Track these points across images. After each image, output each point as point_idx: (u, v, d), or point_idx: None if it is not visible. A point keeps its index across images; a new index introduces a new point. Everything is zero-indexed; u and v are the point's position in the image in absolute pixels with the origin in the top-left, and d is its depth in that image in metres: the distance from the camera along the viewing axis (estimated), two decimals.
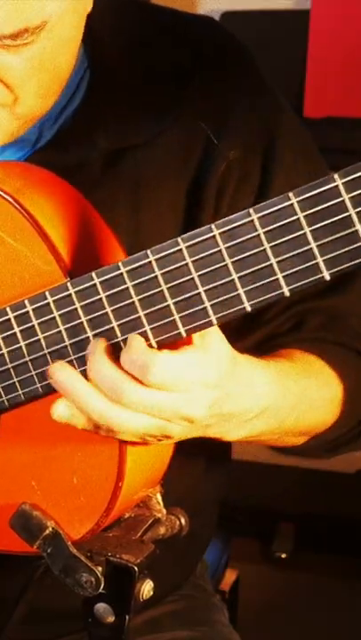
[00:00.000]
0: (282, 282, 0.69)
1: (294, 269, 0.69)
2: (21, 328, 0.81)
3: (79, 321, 0.78)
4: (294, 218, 0.68)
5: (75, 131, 0.96)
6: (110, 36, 0.97)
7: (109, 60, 0.97)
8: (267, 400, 0.83)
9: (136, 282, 0.75)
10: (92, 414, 0.76)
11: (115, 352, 0.76)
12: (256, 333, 1.00)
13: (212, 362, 0.75)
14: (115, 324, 0.76)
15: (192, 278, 0.73)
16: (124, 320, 0.76)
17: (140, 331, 0.75)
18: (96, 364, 0.76)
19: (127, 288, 0.75)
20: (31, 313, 0.80)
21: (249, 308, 0.71)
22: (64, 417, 0.78)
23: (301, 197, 0.68)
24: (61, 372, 0.78)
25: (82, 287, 0.77)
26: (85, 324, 0.78)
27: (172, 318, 0.74)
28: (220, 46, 1.01)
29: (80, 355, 0.78)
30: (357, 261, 0.67)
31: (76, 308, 0.78)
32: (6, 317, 0.81)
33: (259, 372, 0.83)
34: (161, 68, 0.98)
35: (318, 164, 1.02)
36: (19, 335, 0.81)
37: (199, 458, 1.09)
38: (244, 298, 0.71)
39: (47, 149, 0.97)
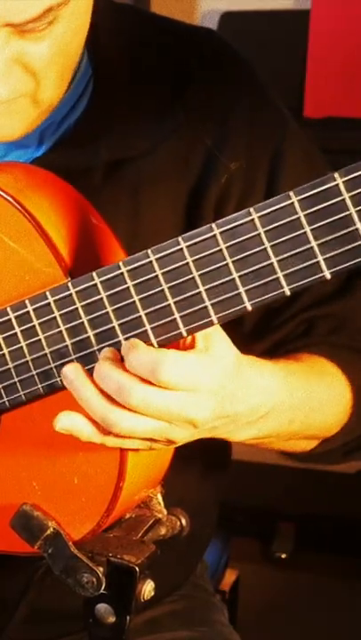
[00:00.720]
0: (282, 281, 0.69)
1: (295, 268, 0.69)
2: (22, 328, 0.81)
3: (80, 321, 0.78)
4: (295, 217, 0.68)
5: (78, 138, 0.96)
6: (110, 38, 0.97)
7: (111, 64, 0.97)
8: (274, 398, 0.82)
9: (137, 281, 0.75)
10: (96, 414, 0.76)
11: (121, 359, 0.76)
12: (265, 340, 1.00)
13: (216, 364, 0.75)
14: (115, 323, 0.76)
15: (193, 278, 0.72)
16: (124, 320, 0.76)
17: (140, 330, 0.75)
18: (102, 368, 0.75)
19: (128, 288, 0.75)
20: (32, 313, 0.80)
21: (250, 308, 0.71)
22: (66, 427, 0.77)
23: (302, 196, 0.68)
24: (72, 372, 0.77)
25: (82, 287, 0.77)
26: (86, 323, 0.78)
27: (172, 318, 0.74)
28: (220, 54, 1.01)
29: (81, 354, 0.78)
30: (358, 260, 0.67)
31: (76, 308, 0.78)
32: (7, 317, 0.81)
33: (265, 372, 0.82)
34: (162, 69, 0.98)
35: (322, 169, 1.00)
36: (19, 335, 0.81)
37: (200, 458, 1.08)
38: (244, 297, 0.71)
39: (49, 156, 0.96)
